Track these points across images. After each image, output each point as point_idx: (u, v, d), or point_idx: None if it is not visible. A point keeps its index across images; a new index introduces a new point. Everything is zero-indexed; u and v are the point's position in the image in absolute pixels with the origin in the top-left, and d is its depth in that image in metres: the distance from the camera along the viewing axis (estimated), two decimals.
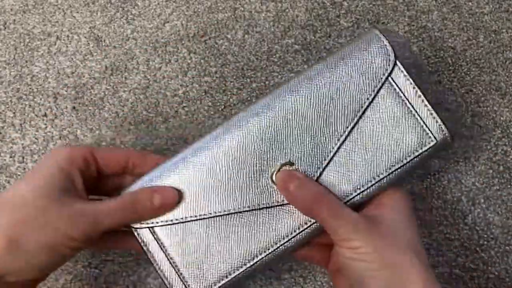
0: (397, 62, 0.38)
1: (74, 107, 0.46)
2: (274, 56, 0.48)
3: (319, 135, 0.37)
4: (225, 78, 0.47)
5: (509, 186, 0.46)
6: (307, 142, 0.37)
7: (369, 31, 0.39)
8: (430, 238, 0.44)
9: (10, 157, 0.45)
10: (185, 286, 0.37)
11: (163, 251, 0.37)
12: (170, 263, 0.37)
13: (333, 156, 0.37)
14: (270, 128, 0.37)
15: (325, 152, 0.37)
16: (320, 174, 0.37)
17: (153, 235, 0.37)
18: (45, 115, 0.46)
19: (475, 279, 0.44)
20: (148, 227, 0.37)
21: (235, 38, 0.48)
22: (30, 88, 0.47)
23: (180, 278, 0.37)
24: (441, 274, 0.44)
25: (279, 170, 0.37)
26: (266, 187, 0.37)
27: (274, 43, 0.48)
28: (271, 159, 0.37)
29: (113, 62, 0.47)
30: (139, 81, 0.47)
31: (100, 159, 0.37)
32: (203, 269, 0.37)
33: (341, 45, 0.48)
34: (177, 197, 0.36)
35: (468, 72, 0.48)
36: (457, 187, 0.46)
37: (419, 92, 0.38)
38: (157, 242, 0.37)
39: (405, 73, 0.38)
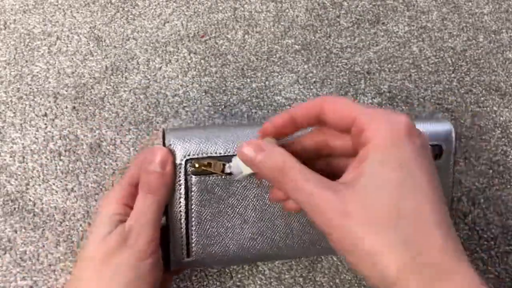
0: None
1: (74, 107, 0.46)
2: (274, 56, 0.48)
3: None
4: (225, 78, 0.47)
5: (509, 186, 0.46)
6: None
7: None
8: None
9: (10, 157, 0.45)
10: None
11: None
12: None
13: None
14: None
15: None
16: None
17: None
18: (45, 115, 0.46)
19: None
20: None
21: (235, 38, 0.48)
22: (30, 88, 0.47)
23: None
24: None
25: None
26: None
27: (274, 43, 0.48)
28: None
29: (113, 62, 0.48)
30: (139, 81, 0.47)
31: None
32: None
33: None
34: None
35: (468, 72, 0.48)
36: (457, 187, 0.46)
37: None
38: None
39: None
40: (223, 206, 0.38)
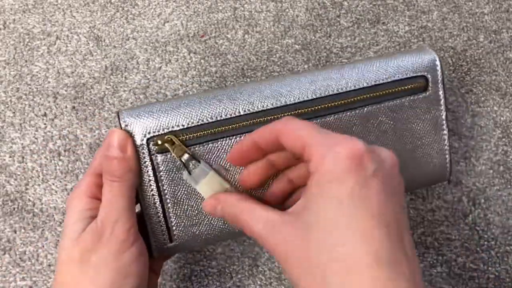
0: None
1: (74, 107, 0.46)
2: (274, 56, 0.48)
3: None
4: (225, 78, 0.47)
5: (509, 186, 0.46)
6: None
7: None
8: (431, 238, 0.44)
9: (10, 156, 0.45)
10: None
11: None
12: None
13: None
14: None
15: None
16: None
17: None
18: (45, 114, 0.46)
19: (475, 279, 0.44)
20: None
21: (235, 38, 0.48)
22: (29, 88, 0.47)
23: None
24: (441, 274, 0.44)
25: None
26: None
27: (274, 43, 0.48)
28: None
29: (113, 61, 0.47)
30: (139, 80, 0.47)
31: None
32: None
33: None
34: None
35: (468, 72, 0.48)
36: (457, 187, 0.46)
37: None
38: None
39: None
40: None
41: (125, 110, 0.35)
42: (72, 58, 0.47)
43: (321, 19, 0.49)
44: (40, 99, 0.46)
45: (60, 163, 0.45)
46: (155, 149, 0.34)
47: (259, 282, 0.43)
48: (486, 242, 0.44)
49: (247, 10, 0.49)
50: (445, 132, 0.39)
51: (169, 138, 0.34)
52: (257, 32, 0.49)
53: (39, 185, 0.44)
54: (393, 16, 0.49)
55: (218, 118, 0.35)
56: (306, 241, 0.27)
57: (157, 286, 0.39)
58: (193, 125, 0.35)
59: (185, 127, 0.35)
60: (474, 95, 0.48)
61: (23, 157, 0.45)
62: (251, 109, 0.35)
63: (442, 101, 0.38)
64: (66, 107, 0.46)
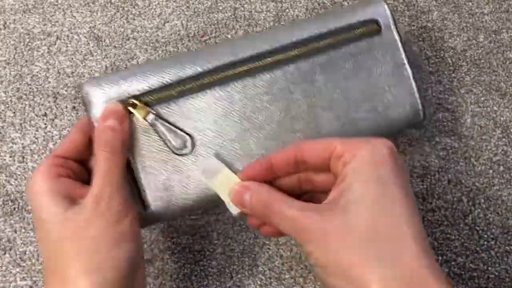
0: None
1: (74, 107, 0.46)
2: None
3: None
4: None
5: (509, 187, 0.46)
6: None
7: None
8: (431, 238, 0.44)
9: (10, 156, 0.45)
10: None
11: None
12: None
13: None
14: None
15: None
16: None
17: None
18: (45, 114, 0.46)
19: (475, 279, 0.44)
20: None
21: (235, 38, 0.48)
22: (30, 88, 0.47)
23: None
24: None
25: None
26: None
27: None
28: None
29: (113, 62, 0.47)
30: None
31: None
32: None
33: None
34: None
35: (468, 72, 0.48)
36: (457, 187, 0.46)
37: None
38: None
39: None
40: (165, 148, 0.36)
41: (86, 81, 0.36)
42: (72, 58, 0.47)
43: None
44: (41, 99, 0.46)
45: None
46: None
47: (259, 282, 0.43)
48: (486, 242, 0.45)
49: (247, 10, 0.49)
50: (408, 73, 0.39)
51: (131, 102, 0.35)
52: (257, 32, 0.49)
53: None
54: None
55: (178, 79, 0.36)
56: (347, 216, 0.28)
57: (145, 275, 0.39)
58: (154, 87, 0.35)
59: (146, 90, 0.35)
60: (474, 95, 0.48)
61: (23, 157, 0.45)
62: (209, 67, 0.36)
63: (399, 44, 0.39)
64: (66, 107, 0.46)
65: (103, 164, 0.33)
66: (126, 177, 0.35)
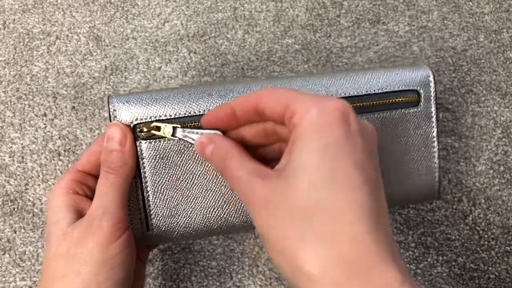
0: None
1: (73, 107, 0.46)
2: (274, 56, 0.48)
3: None
4: (225, 78, 0.47)
5: (509, 186, 0.46)
6: None
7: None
8: (431, 238, 0.44)
9: (10, 156, 0.45)
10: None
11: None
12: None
13: None
14: None
15: None
16: None
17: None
18: (45, 114, 0.46)
19: (475, 279, 0.44)
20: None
21: (235, 38, 0.48)
22: (29, 88, 0.47)
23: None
24: (441, 274, 0.44)
25: None
26: None
27: (274, 43, 0.48)
28: None
29: (113, 61, 0.47)
30: (139, 80, 0.47)
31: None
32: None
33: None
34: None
35: (468, 72, 0.48)
36: (457, 187, 0.46)
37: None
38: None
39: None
40: (180, 173, 0.35)
41: (115, 95, 0.35)
42: (72, 58, 0.47)
43: (321, 19, 0.49)
44: (40, 99, 0.46)
45: (60, 163, 0.45)
46: (140, 135, 0.35)
47: (259, 282, 0.43)
48: (486, 242, 0.44)
49: (247, 10, 0.49)
50: (435, 149, 0.38)
51: (154, 126, 0.34)
52: (257, 32, 0.49)
53: (39, 185, 0.44)
54: (393, 16, 0.49)
55: (206, 112, 0.35)
56: (288, 185, 0.26)
57: (144, 274, 0.39)
58: (180, 116, 0.35)
59: (172, 117, 0.35)
60: (474, 95, 0.48)
61: (23, 157, 0.45)
62: None
63: (433, 118, 0.38)
64: (66, 107, 0.46)
65: (101, 184, 0.34)
66: (126, 198, 0.34)
